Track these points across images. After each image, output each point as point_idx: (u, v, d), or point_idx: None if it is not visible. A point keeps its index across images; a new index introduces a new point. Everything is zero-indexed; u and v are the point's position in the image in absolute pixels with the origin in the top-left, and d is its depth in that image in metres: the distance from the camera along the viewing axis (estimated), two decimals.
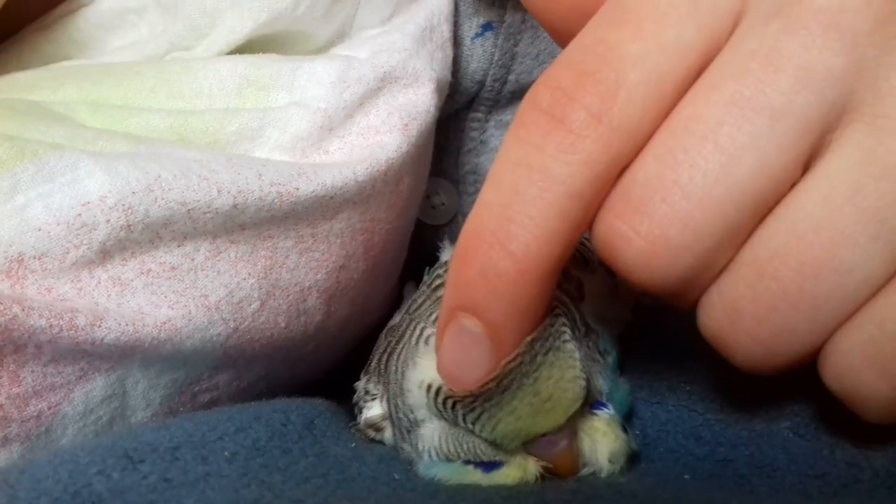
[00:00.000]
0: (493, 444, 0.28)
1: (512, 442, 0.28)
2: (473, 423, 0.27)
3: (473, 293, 0.25)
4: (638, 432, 0.32)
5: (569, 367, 0.27)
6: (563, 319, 0.28)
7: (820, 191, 0.23)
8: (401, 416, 0.31)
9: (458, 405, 0.27)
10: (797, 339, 0.24)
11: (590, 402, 0.29)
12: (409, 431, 0.31)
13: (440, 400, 0.28)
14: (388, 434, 0.33)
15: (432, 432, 0.29)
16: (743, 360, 0.25)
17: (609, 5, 0.25)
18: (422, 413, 0.29)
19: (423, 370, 0.29)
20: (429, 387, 0.28)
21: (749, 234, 0.24)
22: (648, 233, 0.24)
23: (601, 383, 0.30)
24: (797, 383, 0.30)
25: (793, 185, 0.24)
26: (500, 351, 0.26)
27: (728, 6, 0.24)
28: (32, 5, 0.41)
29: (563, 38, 0.28)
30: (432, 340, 0.29)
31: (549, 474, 0.28)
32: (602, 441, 0.29)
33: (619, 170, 0.25)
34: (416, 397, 0.29)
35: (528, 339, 0.26)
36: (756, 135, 0.23)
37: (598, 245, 0.25)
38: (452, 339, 0.26)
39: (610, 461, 0.29)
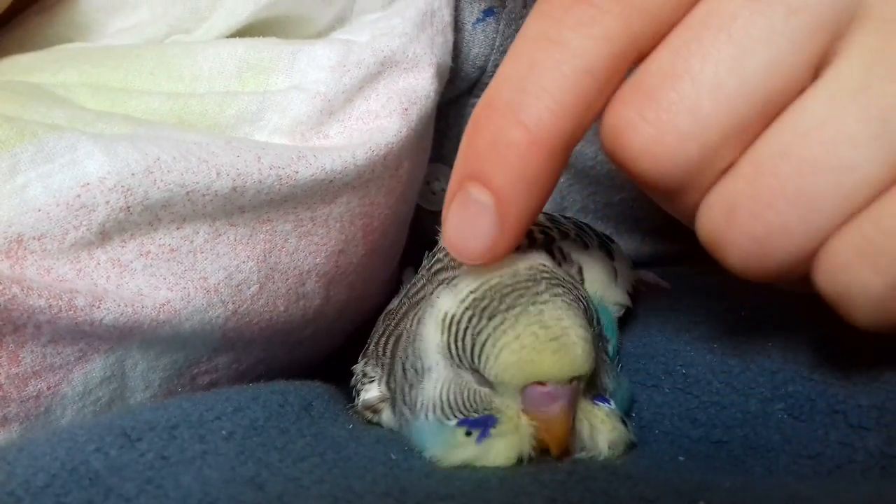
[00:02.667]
0: (494, 386, 0.28)
1: (513, 378, 0.28)
2: (480, 353, 0.28)
3: (483, 162, 0.25)
4: (633, 415, 0.32)
5: (580, 325, 0.28)
6: (584, 292, 0.29)
7: (827, 91, 0.24)
8: (407, 368, 0.31)
9: (470, 333, 0.28)
10: (792, 239, 0.24)
11: (594, 394, 0.30)
12: (411, 387, 0.31)
13: (453, 332, 0.28)
14: (385, 416, 0.33)
15: (435, 382, 0.29)
16: (736, 260, 0.25)
17: None
18: (430, 359, 0.29)
19: (440, 305, 0.29)
20: (444, 315, 0.29)
21: (755, 136, 0.24)
22: (656, 118, 0.24)
23: (607, 381, 0.30)
24: (791, 365, 0.30)
25: (802, 91, 0.24)
26: (506, 222, 0.26)
27: None
28: None
29: None
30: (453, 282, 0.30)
31: (541, 447, 0.28)
32: (601, 428, 0.29)
33: (636, 53, 0.25)
34: (431, 337, 0.29)
35: (533, 263, 0.28)
36: (770, 29, 0.23)
37: (605, 134, 0.25)
38: (459, 207, 0.26)
39: (609, 448, 0.29)
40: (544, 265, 0.29)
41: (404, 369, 0.31)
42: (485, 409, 0.29)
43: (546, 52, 0.25)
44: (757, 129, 0.24)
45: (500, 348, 0.27)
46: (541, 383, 0.28)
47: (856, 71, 0.23)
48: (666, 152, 0.24)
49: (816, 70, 0.24)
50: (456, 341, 0.28)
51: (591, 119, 0.25)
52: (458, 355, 0.28)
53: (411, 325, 0.31)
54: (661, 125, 0.24)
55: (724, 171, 0.25)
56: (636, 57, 0.25)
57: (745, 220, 0.24)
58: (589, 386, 0.29)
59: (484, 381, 0.28)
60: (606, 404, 0.30)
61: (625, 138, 0.25)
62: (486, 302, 0.28)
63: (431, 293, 0.31)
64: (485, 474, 0.28)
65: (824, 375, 0.28)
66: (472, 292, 0.28)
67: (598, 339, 0.30)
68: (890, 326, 0.25)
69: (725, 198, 0.25)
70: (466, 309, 0.28)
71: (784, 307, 0.33)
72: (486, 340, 0.28)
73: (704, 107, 0.24)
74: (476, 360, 0.28)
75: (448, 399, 0.29)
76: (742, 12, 0.24)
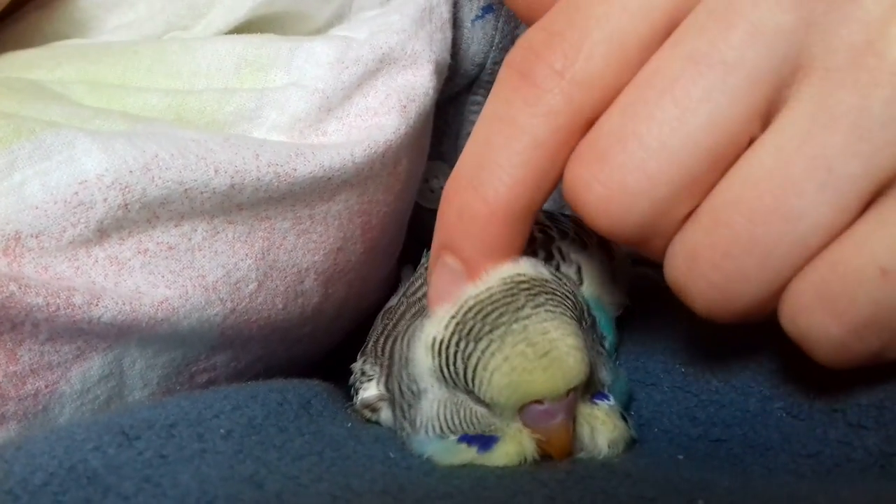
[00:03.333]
0: (491, 407, 0.28)
1: (508, 399, 0.28)
2: (472, 377, 0.28)
3: (452, 232, 0.28)
4: (633, 413, 0.32)
5: (568, 334, 0.27)
6: (568, 287, 0.30)
7: (774, 142, 0.25)
8: (403, 390, 0.31)
9: (459, 357, 0.28)
10: (751, 284, 0.25)
11: (592, 393, 0.30)
12: (409, 406, 0.31)
13: (443, 358, 0.28)
14: (383, 415, 0.33)
15: (432, 403, 0.29)
16: (702, 306, 0.26)
17: None
18: (425, 382, 0.29)
19: (427, 330, 0.29)
20: (432, 344, 0.29)
21: (710, 186, 0.25)
22: (607, 179, 0.26)
23: (604, 374, 0.30)
24: (791, 364, 0.30)
25: (752, 141, 0.25)
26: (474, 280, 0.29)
27: None
28: None
29: (528, 18, 0.30)
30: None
31: (543, 454, 0.29)
32: (601, 429, 0.29)
33: (583, 122, 0.27)
34: (422, 363, 0.29)
35: (507, 275, 0.28)
36: (709, 88, 0.25)
37: (565, 190, 0.27)
38: (438, 274, 0.29)
39: (609, 447, 0.29)
40: (519, 274, 0.29)
41: (401, 390, 0.31)
42: (485, 428, 0.29)
43: (498, 131, 0.27)
44: (711, 180, 0.25)
45: (491, 372, 0.27)
46: (538, 401, 0.28)
47: (800, 121, 0.24)
48: (619, 210, 0.26)
49: (765, 120, 0.25)
50: (447, 366, 0.28)
51: (549, 185, 0.27)
52: (451, 378, 0.28)
53: (403, 345, 0.31)
54: (612, 185, 0.26)
55: (686, 219, 0.26)
56: (586, 123, 0.27)
57: (706, 269, 0.26)
58: (587, 385, 0.29)
59: (480, 401, 0.28)
60: (605, 401, 0.30)
61: (581, 196, 0.26)
62: (469, 325, 0.28)
63: (420, 316, 0.31)
64: (483, 473, 0.28)
65: (823, 374, 0.28)
66: (452, 317, 0.28)
67: (591, 332, 0.30)
68: (851, 365, 0.26)
69: (686, 247, 0.26)
70: (452, 334, 0.28)
71: None
72: (476, 365, 0.27)
73: (651, 166, 0.25)
74: (469, 384, 0.28)
75: (447, 419, 0.29)
76: (683, 73, 0.25)
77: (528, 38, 0.27)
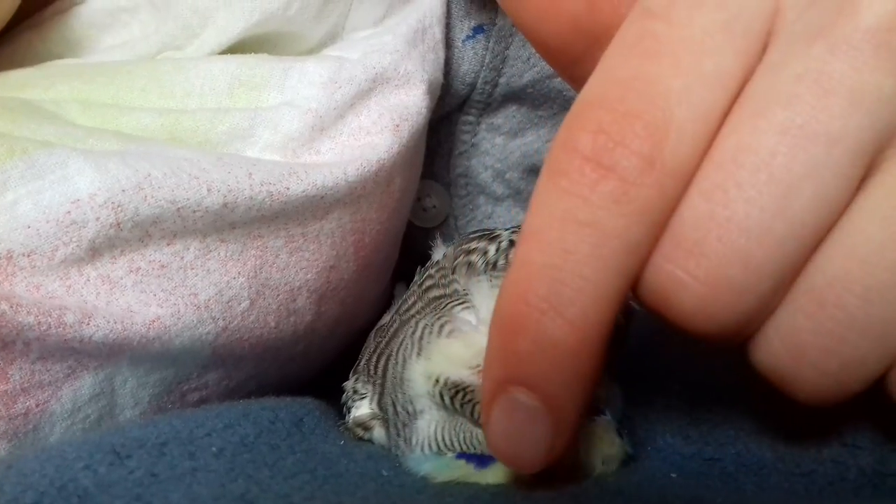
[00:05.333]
0: None
1: None
2: (476, 410, 0.28)
3: (527, 366, 0.23)
4: (626, 431, 0.32)
5: None
6: None
7: (878, 212, 0.22)
8: (398, 409, 0.31)
9: (471, 396, 0.27)
10: (868, 367, 0.23)
11: (589, 409, 0.30)
12: (404, 426, 0.30)
13: (449, 392, 0.28)
14: (376, 433, 0.33)
15: (429, 423, 0.29)
16: (809, 395, 0.24)
17: (632, 35, 0.24)
18: (421, 404, 0.29)
19: (433, 362, 0.29)
20: (438, 378, 0.28)
21: (805, 263, 0.23)
22: (706, 276, 0.22)
23: (600, 390, 0.30)
24: None
25: (845, 209, 0.23)
26: (561, 424, 0.23)
27: (760, 27, 0.23)
28: (25, 4, 0.41)
29: (555, 56, 0.27)
30: (444, 329, 0.29)
31: (541, 472, 0.28)
32: (597, 446, 0.29)
33: (671, 215, 0.23)
34: (419, 387, 0.29)
35: None
36: (813, 163, 0.22)
37: (647, 295, 0.23)
38: (504, 415, 0.23)
39: (603, 464, 0.29)
40: None
41: (395, 409, 0.31)
42: (485, 449, 0.29)
43: (579, 237, 0.22)
44: (806, 259, 0.23)
45: None
46: None
47: None
48: (723, 308, 0.22)
49: (858, 186, 0.23)
50: (450, 399, 0.28)
51: (627, 293, 0.23)
52: (452, 409, 0.28)
53: (396, 363, 0.31)
54: (713, 282, 0.22)
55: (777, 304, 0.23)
56: (670, 216, 0.23)
57: (816, 356, 0.23)
58: None
59: (479, 423, 0.28)
60: (602, 416, 0.30)
61: (674, 300, 0.23)
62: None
63: (416, 329, 0.31)
64: (476, 491, 0.28)
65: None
66: (468, 364, 0.28)
67: None
68: None
69: (786, 334, 0.23)
70: (470, 380, 0.28)
71: None
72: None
73: (757, 255, 0.22)
74: (476, 416, 0.28)
75: (445, 439, 0.29)
76: (780, 148, 0.22)
77: (593, 120, 0.23)
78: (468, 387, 0.28)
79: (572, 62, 0.26)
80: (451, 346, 0.28)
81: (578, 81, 0.25)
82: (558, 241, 0.22)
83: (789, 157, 0.22)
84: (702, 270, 0.22)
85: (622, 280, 0.22)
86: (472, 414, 0.28)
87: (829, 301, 0.22)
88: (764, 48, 0.23)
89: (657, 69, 0.23)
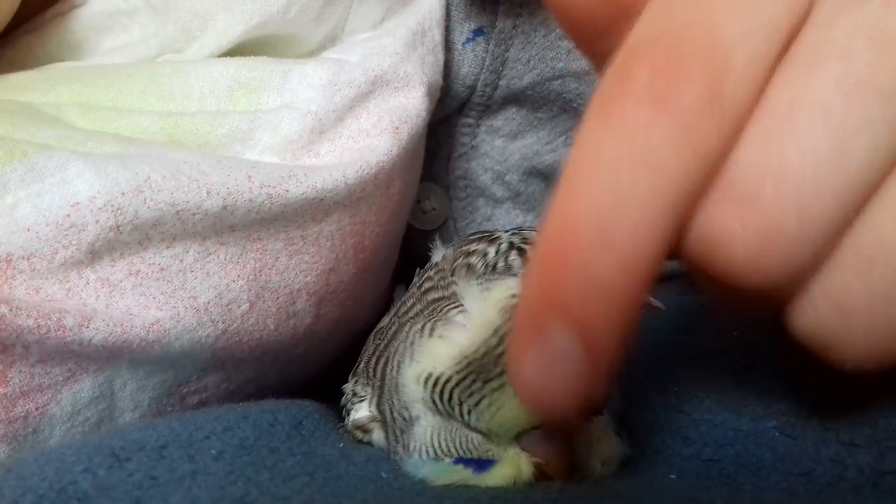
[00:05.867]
0: (488, 436, 0.28)
1: (508, 432, 0.28)
2: (471, 412, 0.28)
3: (571, 299, 0.21)
4: (625, 432, 0.32)
5: None
6: None
7: None
8: (395, 415, 0.31)
9: (458, 394, 0.28)
10: None
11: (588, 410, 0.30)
12: (402, 432, 0.31)
13: (437, 391, 0.28)
14: (375, 435, 0.33)
15: (425, 429, 0.29)
16: (855, 360, 0.23)
17: None
18: (417, 409, 0.29)
19: (421, 363, 0.29)
20: (427, 378, 0.28)
21: (853, 221, 0.22)
22: (761, 225, 0.21)
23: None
24: (783, 383, 0.30)
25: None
26: (598, 368, 0.21)
27: None
28: (24, 6, 0.41)
29: (580, 28, 0.26)
30: (434, 332, 0.29)
31: (541, 475, 0.28)
32: (596, 447, 0.29)
33: (724, 160, 0.22)
34: (413, 392, 0.29)
35: (503, 304, 0.27)
36: (868, 117, 0.21)
37: (695, 247, 0.22)
38: (539, 355, 0.22)
39: (603, 465, 0.29)
40: (514, 296, 0.28)
41: (392, 414, 0.31)
42: (482, 453, 0.29)
43: (633, 175, 0.21)
44: (855, 217, 0.22)
45: (498, 407, 0.27)
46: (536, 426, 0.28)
47: None
48: (776, 261, 0.22)
49: None
50: (442, 401, 0.28)
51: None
52: (445, 411, 0.28)
53: (392, 369, 0.31)
54: (765, 233, 0.21)
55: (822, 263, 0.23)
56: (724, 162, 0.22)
57: (864, 317, 0.22)
58: None
59: (476, 429, 0.28)
60: (600, 416, 0.30)
61: (724, 251, 0.22)
62: (476, 366, 0.27)
63: (409, 334, 0.31)
64: (476, 493, 0.28)
65: (816, 392, 0.28)
66: (456, 358, 0.28)
67: None
68: None
69: (833, 294, 0.23)
70: (457, 373, 0.28)
71: (775, 326, 0.33)
72: (480, 401, 0.27)
73: (813, 206, 0.21)
74: (468, 417, 0.28)
75: (441, 444, 0.29)
76: (836, 101, 0.21)
77: (650, 54, 0.22)
78: (451, 380, 0.28)
79: (598, 35, 0.25)
80: (436, 344, 0.29)
81: (601, 57, 0.25)
82: (611, 179, 0.21)
83: (845, 111, 0.21)
84: (755, 220, 0.21)
85: (675, 223, 0.22)
86: (461, 414, 0.28)
87: (879, 260, 0.22)
88: (811, 3, 0.23)
89: (712, 14, 0.22)
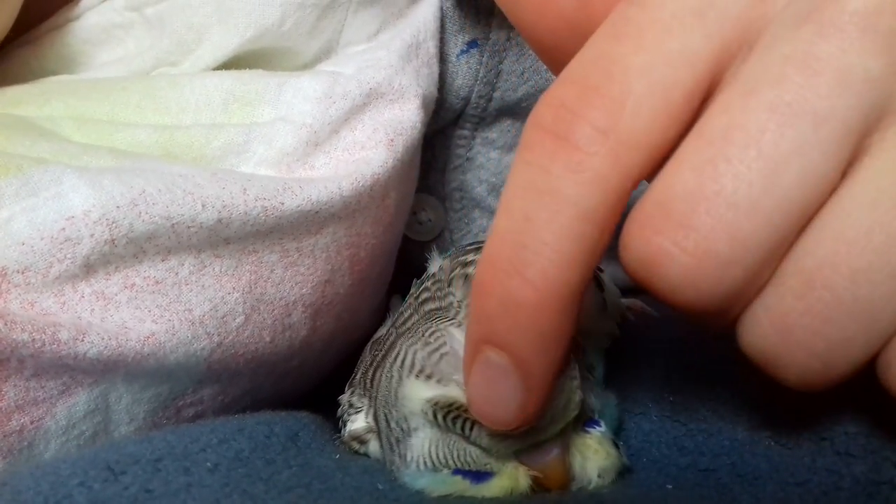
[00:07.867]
0: (487, 451, 0.28)
1: (507, 449, 0.28)
2: (471, 430, 0.28)
3: (496, 325, 0.24)
4: (621, 443, 0.32)
5: (569, 378, 0.27)
6: None
7: (866, 195, 0.23)
8: (392, 425, 0.31)
9: (459, 416, 0.28)
10: (856, 348, 0.23)
11: (583, 420, 0.30)
12: (398, 441, 0.30)
13: (440, 413, 0.28)
14: (372, 446, 0.33)
15: (423, 440, 0.29)
16: (797, 377, 0.24)
17: (609, 21, 0.25)
18: (415, 421, 0.29)
19: (420, 386, 0.29)
20: (435, 403, 0.28)
21: (791, 245, 0.23)
22: (695, 247, 0.23)
23: (593, 401, 0.30)
24: (779, 393, 0.30)
25: (832, 191, 0.23)
26: (530, 381, 0.25)
27: (738, 13, 0.24)
28: (19, 20, 0.41)
29: (550, 55, 0.28)
30: (439, 350, 0.29)
31: (538, 487, 0.29)
32: (593, 458, 0.29)
33: (631, 185, 0.24)
34: (413, 405, 0.29)
35: None
36: (800, 141, 0.22)
37: (634, 265, 0.24)
38: (480, 373, 0.25)
39: (599, 476, 0.29)
40: None
41: (389, 425, 0.31)
42: (480, 466, 0.29)
43: (539, 204, 0.23)
44: (794, 237, 0.23)
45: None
46: None
47: (892, 170, 0.23)
48: (709, 281, 0.23)
49: (845, 169, 0.23)
50: (442, 417, 0.28)
51: (596, 260, 0.24)
52: (444, 426, 0.29)
53: (391, 380, 0.31)
54: (701, 253, 0.23)
55: (765, 284, 0.24)
56: (634, 186, 0.24)
57: (804, 337, 0.23)
58: (577, 415, 0.29)
59: (474, 443, 0.28)
60: (597, 427, 0.30)
61: (660, 270, 0.23)
62: None
63: (414, 345, 0.31)
64: None
65: (811, 403, 0.28)
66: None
67: (581, 361, 0.30)
68: None
69: (774, 314, 0.24)
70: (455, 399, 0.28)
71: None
72: (478, 423, 0.27)
73: (745, 228, 0.22)
74: (468, 433, 0.28)
75: (439, 456, 0.29)
76: (769, 125, 0.22)
77: (557, 96, 0.24)
78: (461, 405, 0.28)
79: (566, 59, 0.26)
80: (441, 364, 0.29)
81: None
82: (521, 209, 0.24)
83: (777, 134, 0.22)
84: (689, 242, 0.23)
85: (582, 246, 0.24)
86: (463, 431, 0.28)
87: (818, 282, 0.23)
88: (749, 35, 0.24)
89: (621, 48, 0.24)
